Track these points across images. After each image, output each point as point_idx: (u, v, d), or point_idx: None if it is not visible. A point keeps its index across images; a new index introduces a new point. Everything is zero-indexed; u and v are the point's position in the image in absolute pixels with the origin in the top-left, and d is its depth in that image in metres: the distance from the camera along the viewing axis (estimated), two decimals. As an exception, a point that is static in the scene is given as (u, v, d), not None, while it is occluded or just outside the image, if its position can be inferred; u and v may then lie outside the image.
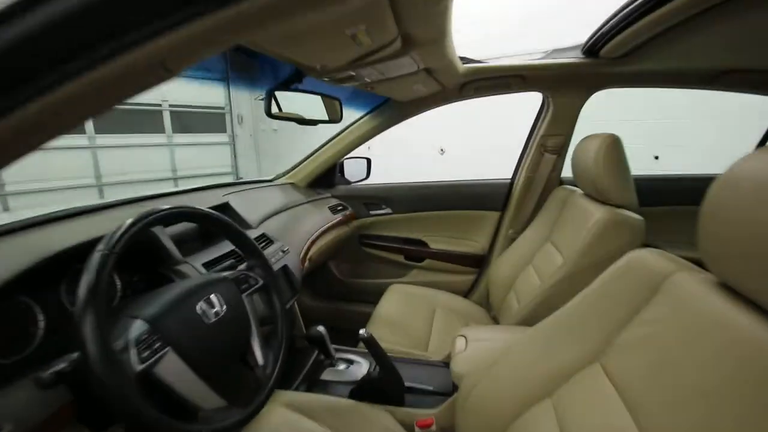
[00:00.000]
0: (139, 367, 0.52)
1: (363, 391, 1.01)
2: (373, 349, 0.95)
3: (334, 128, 1.66)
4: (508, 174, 1.75)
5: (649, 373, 0.55)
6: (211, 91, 6.30)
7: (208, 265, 0.94)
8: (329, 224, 1.69)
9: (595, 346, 0.67)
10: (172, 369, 0.57)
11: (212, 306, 0.66)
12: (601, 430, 0.57)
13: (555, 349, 0.72)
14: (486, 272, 1.78)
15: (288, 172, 1.87)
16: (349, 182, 1.99)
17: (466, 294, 1.82)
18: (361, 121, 1.69)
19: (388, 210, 1.92)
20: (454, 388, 1.02)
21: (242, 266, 0.81)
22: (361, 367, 1.16)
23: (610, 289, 0.68)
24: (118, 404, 0.47)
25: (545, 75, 1.43)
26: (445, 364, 1.18)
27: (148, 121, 5.55)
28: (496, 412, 0.75)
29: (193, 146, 6.04)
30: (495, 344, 1.01)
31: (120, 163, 5.22)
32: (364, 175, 2.02)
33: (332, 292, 2.05)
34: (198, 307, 0.64)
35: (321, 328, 1.12)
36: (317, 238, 1.56)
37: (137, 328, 0.56)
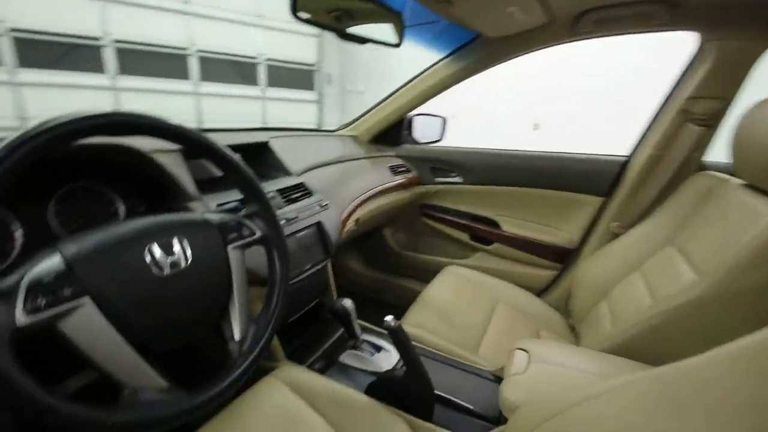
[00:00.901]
0: (23, 321, 0.36)
1: (382, 389, 0.81)
2: (399, 342, 0.73)
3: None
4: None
5: None
6: (303, 48, 6.34)
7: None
8: (386, 186, 1.47)
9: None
10: (87, 326, 0.41)
11: (170, 254, 0.49)
12: None
13: (685, 419, 0.43)
14: (571, 271, 1.42)
15: (352, 123, 1.67)
16: (417, 142, 1.73)
17: (540, 293, 1.49)
18: (438, 65, 1.39)
19: (459, 179, 1.62)
20: (501, 417, 0.76)
21: (241, 212, 0.63)
22: (390, 357, 0.95)
23: None
24: None
25: (711, 2, 0.98)
26: (496, 378, 0.91)
27: (245, 73, 5.80)
28: None
29: (283, 101, 6.20)
30: (568, 374, 0.72)
31: (216, 110, 5.55)
32: (437, 137, 1.74)
33: (383, 263, 1.86)
34: (147, 252, 0.47)
35: (348, 302, 0.93)
36: (369, 198, 1.36)
37: (48, 265, 0.40)
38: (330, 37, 6.47)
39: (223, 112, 5.60)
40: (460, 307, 1.20)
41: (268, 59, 5.92)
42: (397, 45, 1.12)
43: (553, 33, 1.14)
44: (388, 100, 1.55)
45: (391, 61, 5.61)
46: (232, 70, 5.62)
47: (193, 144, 0.55)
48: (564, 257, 1.44)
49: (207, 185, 0.87)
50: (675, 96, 1.16)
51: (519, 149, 1.54)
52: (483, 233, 1.58)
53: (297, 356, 0.95)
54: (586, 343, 1.06)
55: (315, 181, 1.14)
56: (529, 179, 1.49)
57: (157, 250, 0.47)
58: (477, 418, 0.80)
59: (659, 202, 1.16)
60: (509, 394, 0.70)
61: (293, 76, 6.33)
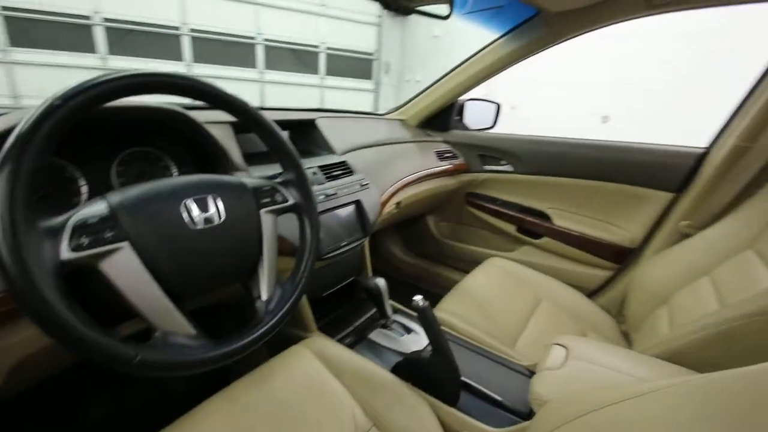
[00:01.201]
0: (67, 256, 0.40)
1: (407, 369, 0.80)
2: (426, 322, 0.72)
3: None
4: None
5: None
6: (363, 37, 6.38)
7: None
8: (431, 171, 1.44)
9: None
10: (125, 269, 0.44)
11: (205, 210, 0.51)
12: None
13: (732, 428, 0.37)
14: (629, 272, 1.29)
15: (401, 107, 1.65)
16: (467, 128, 1.67)
17: (591, 294, 1.38)
18: (492, 46, 1.31)
19: (509, 167, 1.55)
20: (531, 413, 0.72)
21: (276, 179, 0.65)
22: (419, 340, 0.94)
23: None
24: (15, 292, 0.36)
25: None
26: (530, 372, 0.87)
27: (306, 61, 5.98)
28: None
29: (341, 90, 6.32)
30: (607, 375, 0.66)
31: (277, 97, 5.80)
32: (490, 124, 1.67)
33: (425, 250, 1.84)
34: (183, 207, 0.49)
35: (381, 281, 0.93)
36: (412, 182, 1.34)
37: (94, 210, 0.44)
38: (390, 26, 6.45)
39: (283, 99, 5.84)
40: (499, 300, 1.15)
41: (329, 48, 6.04)
42: (446, 17, 1.07)
43: (625, 4, 1.02)
44: (438, 84, 1.51)
45: (450, 51, 5.47)
46: (293, 58, 5.82)
47: (235, 109, 0.57)
48: (622, 257, 1.32)
49: (254, 158, 0.90)
50: (767, 80, 1.00)
51: (578, 137, 1.43)
52: (531, 226, 1.49)
53: (328, 330, 0.97)
54: (639, 347, 0.97)
55: (358, 161, 1.15)
56: (587, 170, 1.38)
57: (192, 206, 0.50)
58: (505, 410, 0.76)
59: (740, 200, 1.01)
60: (540, 388, 0.66)
61: (352, 65, 6.41)
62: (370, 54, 6.52)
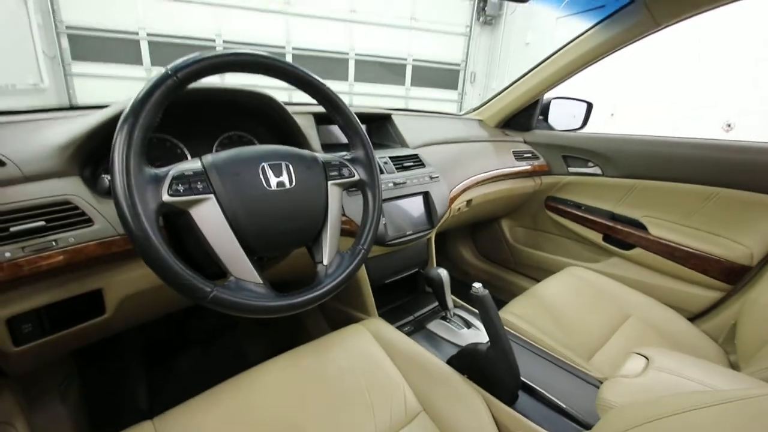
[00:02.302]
0: (167, 198, 0.48)
1: (463, 361, 0.78)
2: (484, 312, 0.69)
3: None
4: None
5: None
6: (450, 47, 6.40)
7: None
8: (506, 171, 1.39)
9: None
10: (209, 218, 0.51)
11: (279, 174, 0.57)
12: None
13: None
14: (744, 294, 1.09)
15: (480, 107, 1.62)
16: (551, 127, 1.57)
17: (694, 318, 1.19)
18: (583, 36, 1.22)
19: (597, 170, 1.42)
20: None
21: (346, 155, 0.69)
22: (479, 335, 0.90)
23: None
24: (125, 224, 0.45)
25: None
26: (601, 383, 0.78)
27: (393, 73, 6.20)
28: None
29: (426, 100, 6.41)
30: (690, 386, 0.57)
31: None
32: (579, 124, 1.55)
33: (496, 255, 1.76)
34: (261, 170, 0.56)
35: (443, 272, 0.93)
36: (484, 181, 1.30)
37: (190, 165, 0.53)
38: (478, 35, 6.37)
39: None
40: (575, 310, 1.05)
41: (416, 60, 6.18)
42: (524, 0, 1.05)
43: None
44: (519, 82, 1.45)
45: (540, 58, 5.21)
46: (381, 70, 6.08)
47: (314, 88, 0.63)
48: (736, 276, 1.11)
49: (331, 148, 0.98)
50: None
51: (682, 137, 1.25)
52: (622, 235, 1.34)
53: (388, 317, 0.99)
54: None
55: (430, 156, 1.16)
56: (696, 173, 1.20)
57: (268, 170, 0.57)
58: (568, 418, 0.69)
59: None
60: (609, 395, 0.59)
61: (439, 76, 6.47)
62: (456, 64, 6.51)
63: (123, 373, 1.10)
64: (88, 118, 0.64)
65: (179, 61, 0.50)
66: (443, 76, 6.42)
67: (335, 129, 1.15)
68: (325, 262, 0.62)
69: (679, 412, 0.42)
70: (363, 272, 0.97)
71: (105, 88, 4.62)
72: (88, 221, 0.57)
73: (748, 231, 1.09)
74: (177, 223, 0.61)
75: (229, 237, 0.52)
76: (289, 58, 5.47)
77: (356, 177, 0.67)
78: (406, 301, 1.10)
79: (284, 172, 0.58)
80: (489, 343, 0.71)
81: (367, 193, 0.68)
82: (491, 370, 0.72)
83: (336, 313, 1.10)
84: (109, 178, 0.49)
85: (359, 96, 6.03)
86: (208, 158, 0.55)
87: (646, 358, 0.65)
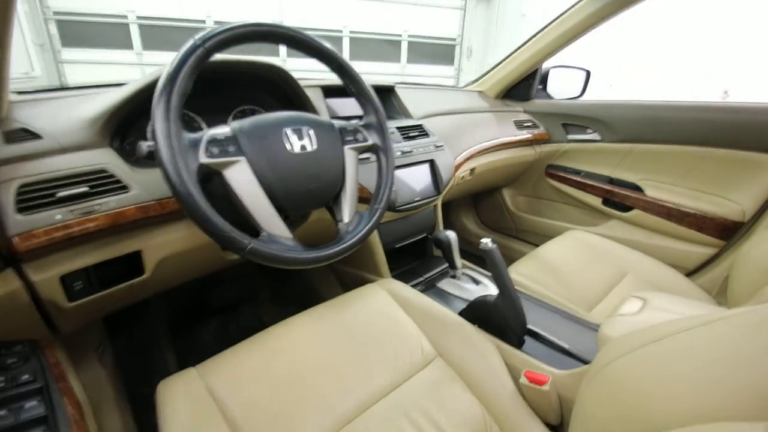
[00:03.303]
0: (204, 160, 0.52)
1: (474, 312, 0.84)
2: (493, 265, 0.75)
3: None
4: None
5: None
6: (446, 22, 6.30)
7: None
8: (508, 140, 1.42)
9: None
10: (241, 179, 0.56)
11: (301, 138, 0.61)
12: None
13: None
14: (736, 249, 1.15)
15: (480, 78, 1.64)
16: (551, 96, 1.60)
17: (690, 274, 1.25)
18: (579, 5, 1.24)
19: (596, 136, 1.45)
20: None
21: (359, 121, 0.73)
22: (486, 290, 0.96)
23: None
24: (172, 185, 0.49)
25: None
26: (598, 327, 0.84)
27: (388, 51, 6.12)
28: (647, 404, 0.46)
29: (422, 77, 6.36)
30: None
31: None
32: (578, 92, 1.58)
33: (499, 224, 1.81)
34: (284, 133, 0.60)
35: (452, 234, 0.98)
36: (487, 150, 1.34)
37: (220, 131, 0.57)
38: (473, 8, 6.26)
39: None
40: (576, 269, 1.11)
41: (411, 35, 6.10)
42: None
43: None
44: (517, 52, 1.47)
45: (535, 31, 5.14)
46: (377, 48, 6.00)
47: (327, 57, 0.67)
48: (729, 233, 1.17)
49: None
50: None
51: (677, 100, 1.28)
52: (620, 198, 1.39)
53: (400, 279, 1.04)
54: None
55: (434, 127, 1.19)
56: (690, 135, 1.24)
57: (291, 134, 0.61)
58: (571, 357, 0.76)
59: None
60: (609, 330, 0.65)
61: (434, 51, 6.39)
62: (452, 39, 6.42)
63: (150, 341, 1.17)
64: (110, 95, 0.68)
65: (205, 32, 0.54)
66: (440, 52, 6.34)
67: (341, 102, 1.18)
68: (346, 220, 0.66)
69: (672, 334, 0.47)
70: (375, 236, 1.02)
71: (97, 75, 4.51)
72: (124, 188, 0.61)
73: (741, 189, 1.14)
74: (209, 188, 0.65)
75: (260, 195, 0.56)
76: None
77: (370, 141, 0.71)
78: (416, 265, 1.16)
79: (305, 136, 0.62)
80: (498, 294, 0.77)
81: (380, 156, 0.73)
82: (500, 317, 0.78)
83: (350, 277, 1.15)
84: (148, 144, 0.53)
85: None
86: (236, 124, 0.59)
87: (643, 299, 0.71)
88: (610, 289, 1.07)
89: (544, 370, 0.72)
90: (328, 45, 0.66)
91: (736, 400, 0.38)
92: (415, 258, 1.21)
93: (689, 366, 0.44)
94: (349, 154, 0.68)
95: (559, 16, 1.30)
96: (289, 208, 0.62)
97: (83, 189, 0.57)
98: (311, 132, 0.63)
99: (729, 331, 0.43)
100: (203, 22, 5.10)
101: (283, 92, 0.91)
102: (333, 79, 1.05)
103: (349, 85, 0.71)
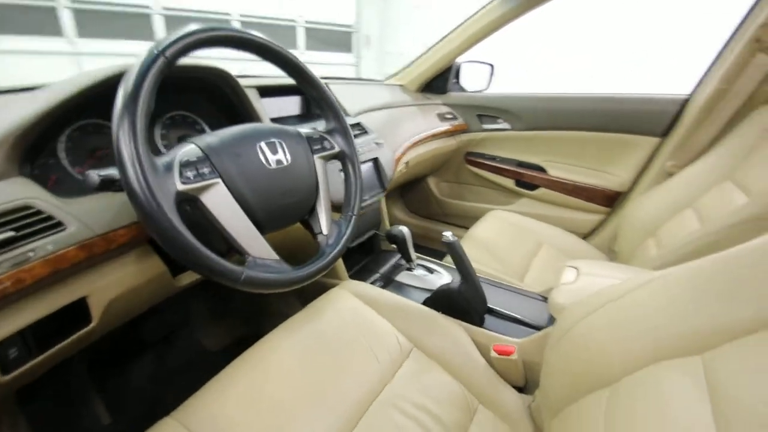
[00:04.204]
0: (181, 187, 0.47)
1: (438, 301, 0.90)
2: (456, 255, 0.81)
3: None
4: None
5: None
6: (341, 9, 6.24)
7: None
8: (435, 131, 1.51)
9: None
10: (220, 202, 0.51)
11: (275, 152, 0.58)
12: None
13: (725, 296, 0.48)
14: (620, 213, 1.42)
15: (399, 72, 1.70)
16: (464, 89, 1.74)
17: (586, 236, 1.51)
18: (489, 6, 1.37)
19: (506, 125, 1.63)
20: (550, 323, 0.83)
21: (323, 128, 0.72)
22: (442, 277, 1.04)
23: None
24: (149, 218, 0.43)
25: None
26: (542, 297, 0.98)
27: (283, 36, 5.84)
28: (607, 356, 0.56)
29: (322, 65, 6.22)
30: (616, 282, 0.78)
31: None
32: (484, 85, 1.74)
33: (426, 210, 1.93)
34: (259, 148, 0.56)
35: (404, 229, 1.02)
36: (419, 143, 1.41)
37: (187, 151, 0.51)
38: (368, -3, 6.30)
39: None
40: (504, 245, 1.26)
41: (307, 21, 5.90)
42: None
43: None
44: (434, 48, 1.56)
45: (432, 21, 5.42)
46: (270, 33, 5.68)
47: (288, 64, 0.63)
48: (613, 200, 1.44)
49: (277, 122, 0.96)
50: (747, 24, 1.09)
51: (568, 92, 1.52)
52: (528, 179, 1.60)
53: (357, 278, 1.06)
54: None
55: (370, 123, 1.21)
56: (578, 122, 1.48)
57: (265, 148, 0.57)
58: (524, 325, 0.87)
59: (719, 139, 1.13)
60: (558, 298, 0.76)
61: (331, 39, 6.29)
62: (349, 26, 6.40)
63: (72, 398, 0.99)
64: (20, 109, 0.54)
65: (165, 38, 0.47)
66: (337, 39, 6.27)
67: (275, 102, 1.12)
68: (325, 231, 0.65)
69: (619, 296, 0.59)
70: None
71: (21, 66, 3.55)
72: (59, 225, 0.51)
73: (620, 164, 1.41)
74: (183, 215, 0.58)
75: (242, 218, 0.53)
76: (158, 21, 4.74)
77: (337, 148, 0.70)
78: (368, 261, 1.18)
79: (279, 150, 0.59)
80: (460, 281, 0.84)
81: (347, 162, 0.72)
82: (464, 301, 0.85)
83: (308, 286, 1.13)
84: (102, 172, 0.44)
85: (239, 62, 5.58)
86: (203, 142, 0.53)
87: (576, 268, 0.85)
88: (532, 258, 1.24)
89: (507, 341, 0.82)
90: (286, 50, 0.63)
91: (676, 342, 0.50)
92: (364, 255, 1.23)
93: (636, 320, 0.56)
94: (319, 164, 0.67)
95: (475, 14, 1.41)
96: (270, 227, 0.58)
97: (8, 234, 0.46)
98: (284, 145, 0.60)
99: (663, 288, 0.55)
100: (148, 7, 4.28)
101: (220, 96, 0.83)
102: (267, 77, 0.99)
103: (310, 91, 0.68)
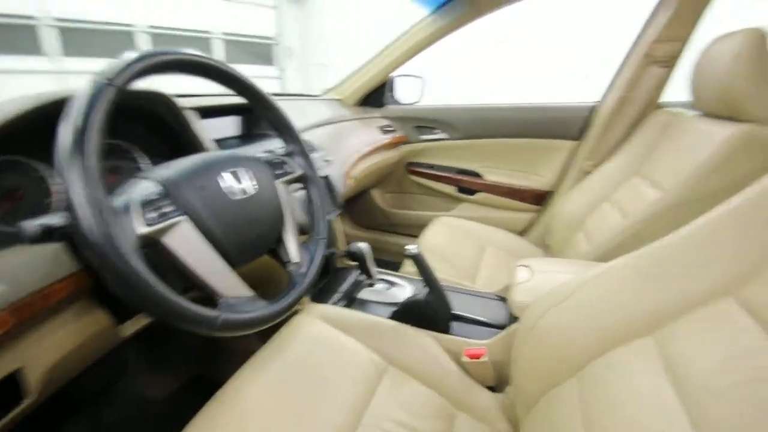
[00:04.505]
0: (143, 230, 0.42)
1: (405, 313, 0.91)
2: (421, 267, 0.83)
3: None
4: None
5: None
6: (260, 20, 6.08)
7: None
8: (378, 144, 1.54)
9: (732, 277, 0.49)
10: (187, 242, 0.47)
11: (239, 181, 0.55)
12: (739, 362, 0.42)
13: (667, 278, 0.55)
14: (549, 210, 1.57)
15: (336, 87, 1.70)
16: (399, 102, 1.79)
17: (522, 233, 1.64)
18: (421, 23, 1.44)
19: (443, 135, 1.72)
20: (511, 321, 0.89)
21: (282, 151, 0.69)
22: (404, 290, 1.05)
23: (762, 206, 0.49)
24: (113, 270, 0.38)
25: None
26: (499, 297, 1.04)
27: (200, 49, 5.50)
28: (573, 346, 0.61)
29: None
30: (567, 276, 0.85)
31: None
32: (416, 98, 1.81)
33: (373, 222, 1.95)
34: (222, 179, 0.53)
35: (363, 245, 1.02)
36: (364, 156, 1.42)
37: (145, 188, 0.46)
38: (288, 8, 6.23)
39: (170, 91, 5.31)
40: (453, 251, 1.32)
41: (225, 33, 5.64)
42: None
43: None
44: (370, 63, 1.60)
45: (355, 32, 5.51)
46: (183, 46, 5.33)
47: (242, 86, 0.60)
48: (542, 199, 1.59)
49: (223, 143, 0.91)
50: (641, 41, 1.29)
51: (496, 103, 1.65)
52: (467, 184, 1.70)
53: (319, 298, 1.03)
54: None
55: (316, 140, 1.19)
56: (507, 130, 1.61)
57: (228, 178, 0.53)
58: (488, 326, 0.92)
59: (626, 139, 1.31)
60: (518, 297, 0.82)
61: (252, 51, 6.08)
62: (270, 39, 6.25)
63: None
64: None
65: (110, 66, 0.42)
66: (258, 52, 6.07)
67: (214, 123, 1.05)
68: (296, 260, 0.63)
69: (576, 288, 0.64)
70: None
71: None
72: None
73: (546, 166, 1.56)
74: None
75: (211, 256, 0.48)
76: (47, 34, 4.17)
77: (298, 171, 0.68)
78: (327, 282, 1.15)
79: (243, 178, 0.55)
80: (426, 291, 0.86)
81: (310, 184, 0.71)
82: (431, 312, 0.87)
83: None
84: (40, 222, 0.38)
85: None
86: (160, 176, 0.48)
87: (528, 266, 0.92)
88: (479, 260, 1.32)
89: (476, 344, 0.86)
90: (242, 74, 0.60)
91: (632, 325, 0.57)
92: (322, 275, 1.19)
93: (593, 309, 0.62)
94: (281, 189, 0.64)
95: (409, 29, 1.47)
96: (240, 262, 0.55)
97: None
98: (247, 173, 0.57)
99: (613, 278, 0.62)
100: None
101: (154, 120, 0.76)
102: (202, 95, 0.93)
103: (267, 114, 0.66)
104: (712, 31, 1.00)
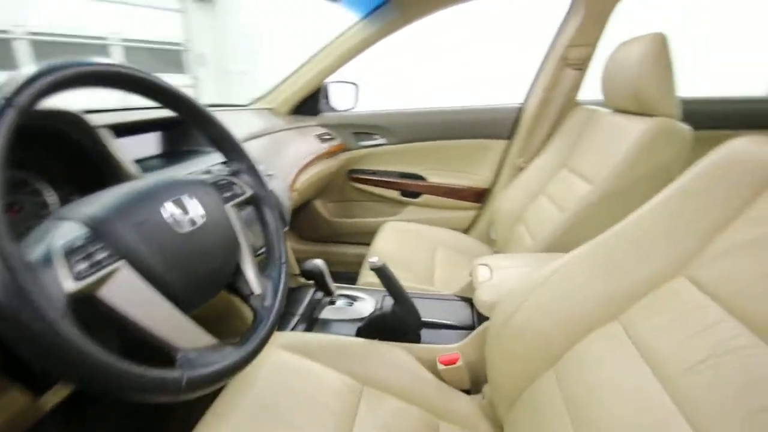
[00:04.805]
0: (72, 286, 0.33)
1: (372, 328, 0.88)
2: (386, 279, 0.80)
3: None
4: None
5: (763, 275, 0.43)
6: (165, 25, 5.58)
7: None
8: (317, 154, 1.48)
9: (679, 256, 0.54)
10: (129, 292, 0.38)
11: (186, 211, 0.47)
12: (701, 337, 0.46)
13: (621, 264, 0.59)
14: (489, 206, 1.64)
15: (265, 95, 1.60)
16: (334, 109, 1.75)
17: (467, 230, 1.70)
18: (352, 30, 1.42)
19: (382, 140, 1.71)
20: (479, 320, 0.90)
21: (227, 171, 0.62)
22: (366, 303, 1.02)
23: (699, 188, 0.54)
24: (35, 340, 0.29)
25: None
26: (461, 297, 1.06)
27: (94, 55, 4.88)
28: (546, 339, 0.63)
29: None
30: (526, 272, 0.89)
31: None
32: (351, 104, 1.78)
33: (318, 234, 1.88)
34: (164, 210, 0.44)
35: (319, 262, 0.96)
36: (304, 167, 1.36)
37: (67, 231, 0.36)
38: (197, 13, 5.81)
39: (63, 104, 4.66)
40: (407, 256, 1.31)
41: (124, 39, 5.06)
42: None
43: None
44: (302, 69, 1.53)
45: (272, 39, 5.31)
46: (77, 53, 4.70)
47: (178, 101, 0.52)
48: (482, 196, 1.66)
49: (146, 164, 0.80)
50: (556, 45, 1.41)
51: (431, 107, 1.69)
52: (411, 188, 1.71)
53: (277, 327, 0.95)
54: None
55: (252, 153, 1.10)
56: (443, 132, 1.66)
57: (172, 208, 0.45)
58: (457, 329, 0.92)
59: (551, 136, 1.42)
60: (485, 296, 0.83)
61: (159, 58, 5.54)
62: (177, 44, 5.76)
63: None
64: None
65: (8, 82, 0.32)
66: (165, 59, 5.54)
67: (130, 141, 0.92)
68: (258, 291, 0.56)
69: (541, 283, 0.67)
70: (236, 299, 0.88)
71: None
72: None
73: (482, 165, 1.64)
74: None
75: (161, 304, 0.40)
76: None
77: (248, 192, 0.61)
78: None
79: (189, 206, 0.47)
80: (393, 303, 0.84)
81: (262, 206, 0.64)
82: (399, 323, 0.85)
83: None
84: None
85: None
86: (82, 215, 0.38)
87: (487, 265, 0.94)
88: (432, 261, 1.33)
89: (448, 349, 0.85)
90: (175, 86, 0.52)
91: (597, 312, 0.60)
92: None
93: (561, 300, 0.64)
94: (232, 213, 0.57)
95: (339, 36, 1.43)
96: (194, 305, 0.47)
97: None
98: (194, 199, 0.49)
99: (573, 268, 0.65)
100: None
101: (59, 143, 0.64)
102: (112, 110, 0.83)
103: (209, 131, 0.58)
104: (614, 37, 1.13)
